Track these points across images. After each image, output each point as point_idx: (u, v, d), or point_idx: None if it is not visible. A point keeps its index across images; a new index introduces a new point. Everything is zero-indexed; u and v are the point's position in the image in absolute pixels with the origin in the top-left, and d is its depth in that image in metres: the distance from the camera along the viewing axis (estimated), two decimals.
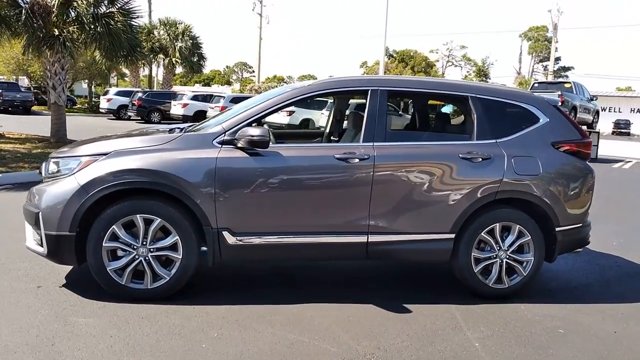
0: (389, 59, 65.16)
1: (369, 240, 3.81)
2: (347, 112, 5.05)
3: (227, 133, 3.68)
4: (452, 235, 3.90)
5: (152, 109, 25.89)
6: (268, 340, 3.19)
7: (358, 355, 3.08)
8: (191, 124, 4.93)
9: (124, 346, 3.02)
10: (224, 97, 23.71)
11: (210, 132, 3.74)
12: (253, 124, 3.75)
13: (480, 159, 3.90)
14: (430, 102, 5.08)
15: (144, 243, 3.58)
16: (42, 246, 3.61)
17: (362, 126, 4.30)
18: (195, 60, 31.37)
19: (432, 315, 3.69)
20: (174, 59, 30.63)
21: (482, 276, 3.99)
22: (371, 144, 3.82)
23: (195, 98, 24.95)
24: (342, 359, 3.01)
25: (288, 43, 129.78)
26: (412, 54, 64.59)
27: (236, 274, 4.35)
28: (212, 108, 23.52)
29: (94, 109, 31.49)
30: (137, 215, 3.54)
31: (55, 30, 11.22)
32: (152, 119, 25.72)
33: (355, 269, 4.66)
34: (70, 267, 4.20)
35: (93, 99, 34.67)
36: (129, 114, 26.83)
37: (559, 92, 14.65)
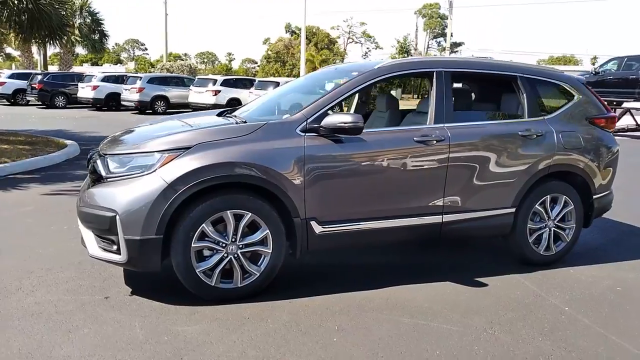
0: (291, 35, 64.92)
1: (443, 220, 3.92)
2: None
3: (308, 121, 3.56)
4: (513, 210, 4.13)
5: (55, 92, 23.51)
6: (389, 326, 3.20)
7: (479, 330, 3.20)
8: (224, 109, 4.66)
9: (257, 350, 2.88)
10: (141, 77, 22.25)
11: (291, 119, 3.59)
12: (330, 111, 3.66)
13: (535, 136, 4.14)
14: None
15: (234, 240, 3.39)
16: (120, 253, 3.27)
17: (392, 110, 4.40)
18: (96, 38, 29.03)
19: (508, 286, 3.90)
20: (73, 37, 28.08)
21: (534, 245, 4.28)
22: (442, 125, 3.89)
23: (106, 79, 23.09)
24: (472, 337, 3.11)
25: (184, 19, 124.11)
26: (314, 30, 64.73)
27: (300, 265, 4.24)
28: (128, 90, 22.05)
29: None
30: (228, 211, 3.33)
31: None
32: (57, 103, 23.47)
33: (406, 250, 4.74)
34: (121, 272, 3.87)
35: None
36: (28, 98, 24.28)
37: None
